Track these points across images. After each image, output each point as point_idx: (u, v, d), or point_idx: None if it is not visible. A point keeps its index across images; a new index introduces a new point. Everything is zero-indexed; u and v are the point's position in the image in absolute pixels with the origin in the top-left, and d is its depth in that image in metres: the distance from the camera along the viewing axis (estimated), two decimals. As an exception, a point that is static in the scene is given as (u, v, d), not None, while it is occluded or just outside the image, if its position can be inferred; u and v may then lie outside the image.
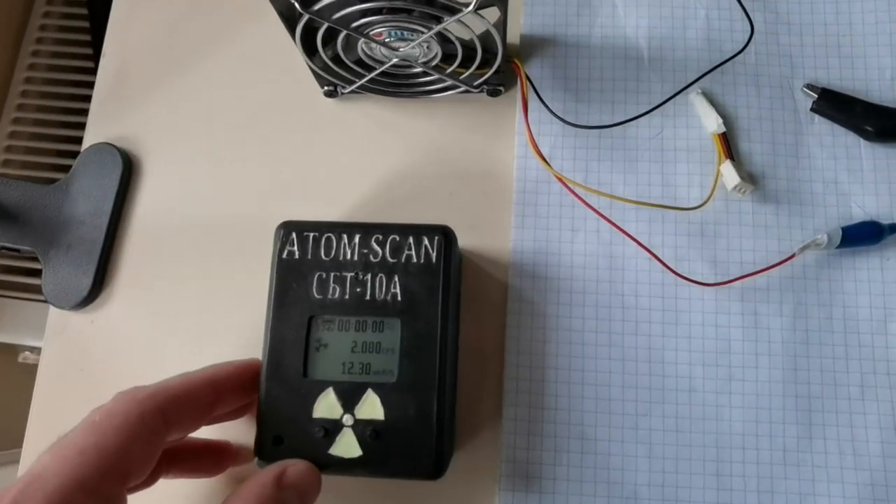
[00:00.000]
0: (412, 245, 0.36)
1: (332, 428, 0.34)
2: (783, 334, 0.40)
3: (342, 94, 0.45)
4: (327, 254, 0.36)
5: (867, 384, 0.39)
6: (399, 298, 0.35)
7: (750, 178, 0.42)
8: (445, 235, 0.36)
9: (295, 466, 0.29)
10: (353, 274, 0.36)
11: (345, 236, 0.36)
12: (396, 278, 0.35)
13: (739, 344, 0.40)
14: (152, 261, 0.45)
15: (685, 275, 0.40)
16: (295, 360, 0.35)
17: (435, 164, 0.45)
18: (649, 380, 0.40)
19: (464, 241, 0.40)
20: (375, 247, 0.36)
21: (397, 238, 0.36)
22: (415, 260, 0.36)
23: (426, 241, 0.36)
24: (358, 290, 0.35)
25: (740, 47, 0.42)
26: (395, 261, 0.36)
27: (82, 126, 0.48)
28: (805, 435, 0.38)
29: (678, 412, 0.39)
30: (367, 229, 0.36)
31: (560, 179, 0.41)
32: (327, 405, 0.34)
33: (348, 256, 0.36)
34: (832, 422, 0.39)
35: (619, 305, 0.41)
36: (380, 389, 0.34)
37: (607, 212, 0.41)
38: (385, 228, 0.36)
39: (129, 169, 0.46)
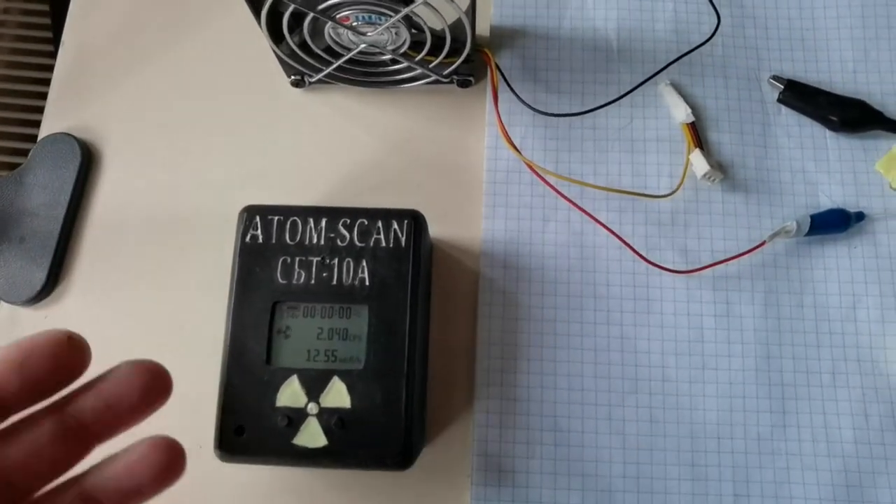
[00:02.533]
0: (381, 229, 0.35)
1: (296, 417, 0.32)
2: (755, 322, 0.40)
3: (309, 83, 0.44)
4: (292, 238, 0.35)
5: (838, 371, 0.39)
6: (367, 283, 0.34)
7: (719, 166, 0.42)
8: (416, 220, 0.35)
9: None
10: (319, 258, 0.34)
11: (311, 220, 0.35)
12: (364, 263, 0.34)
13: (712, 332, 0.40)
14: (111, 253, 0.43)
15: (657, 262, 0.40)
16: (258, 347, 0.33)
17: (404, 155, 0.44)
18: (622, 370, 0.39)
19: (434, 231, 0.40)
20: (343, 231, 0.35)
21: (366, 222, 0.35)
22: (384, 244, 0.35)
23: (395, 226, 0.35)
24: (324, 274, 0.34)
25: (707, 39, 0.42)
26: (363, 245, 0.35)
27: (42, 119, 0.47)
28: (779, 423, 0.38)
29: (651, 402, 0.39)
30: (334, 213, 0.35)
31: (531, 167, 0.41)
32: (291, 393, 0.33)
33: (314, 240, 0.35)
34: (805, 409, 0.38)
35: (590, 295, 0.40)
36: (346, 377, 0.33)
37: (578, 201, 0.41)
38: (353, 212, 0.35)
39: (87, 159, 0.45)
